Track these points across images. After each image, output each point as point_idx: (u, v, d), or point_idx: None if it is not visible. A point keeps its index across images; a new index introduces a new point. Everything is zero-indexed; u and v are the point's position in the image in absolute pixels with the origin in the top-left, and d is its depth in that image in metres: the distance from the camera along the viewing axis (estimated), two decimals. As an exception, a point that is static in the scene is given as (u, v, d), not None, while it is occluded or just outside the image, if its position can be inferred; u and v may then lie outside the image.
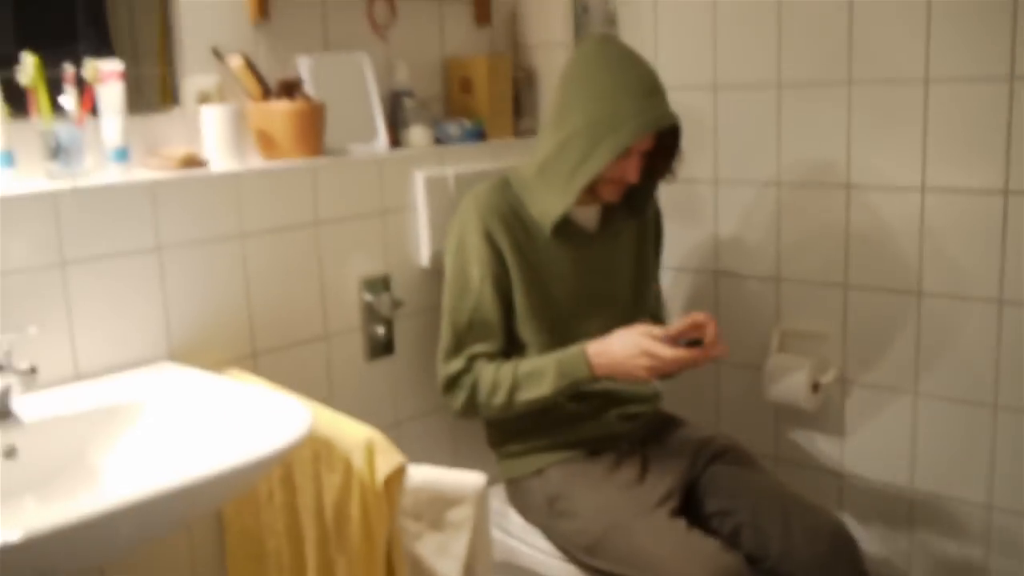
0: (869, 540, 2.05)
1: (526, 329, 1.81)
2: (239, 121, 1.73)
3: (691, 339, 1.71)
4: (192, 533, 1.65)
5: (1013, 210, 1.84)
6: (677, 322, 1.73)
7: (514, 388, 1.75)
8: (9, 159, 1.48)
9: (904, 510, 2.06)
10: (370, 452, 1.38)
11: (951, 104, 1.88)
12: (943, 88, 1.89)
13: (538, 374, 1.74)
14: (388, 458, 1.38)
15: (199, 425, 1.39)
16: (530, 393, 1.74)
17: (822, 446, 2.15)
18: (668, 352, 1.66)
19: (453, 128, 2.05)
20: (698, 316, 1.71)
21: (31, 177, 1.52)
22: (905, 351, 2.01)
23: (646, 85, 1.72)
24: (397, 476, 1.38)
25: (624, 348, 1.69)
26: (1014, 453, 1.91)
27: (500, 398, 1.75)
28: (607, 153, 1.68)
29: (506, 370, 1.76)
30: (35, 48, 1.51)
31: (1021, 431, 1.89)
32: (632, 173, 1.76)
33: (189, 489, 1.17)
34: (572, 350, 1.75)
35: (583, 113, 1.71)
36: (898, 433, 2.04)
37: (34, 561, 1.10)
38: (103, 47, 1.63)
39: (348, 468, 1.41)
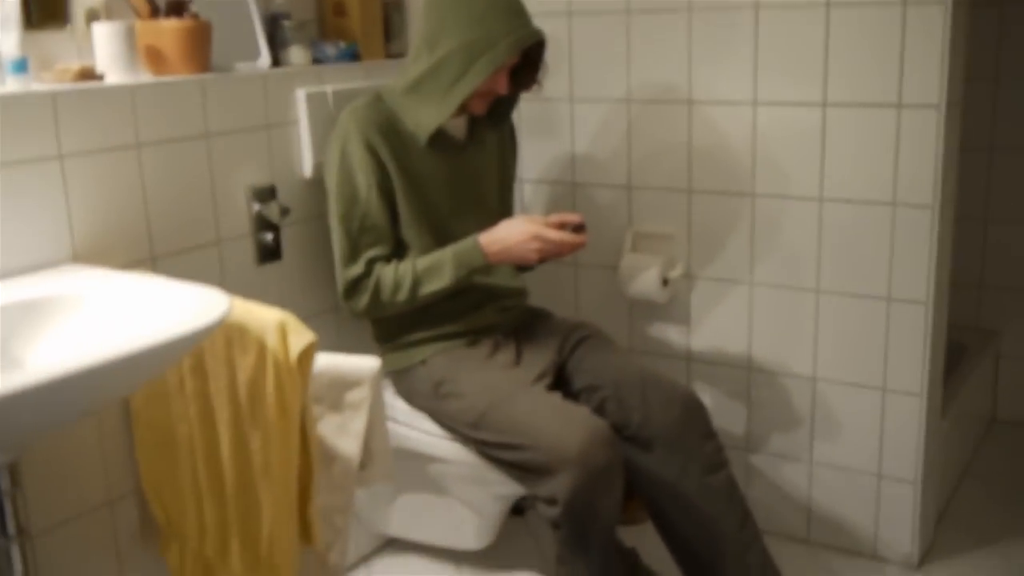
0: (715, 414, 2.33)
1: (410, 232, 1.97)
2: (129, 38, 1.80)
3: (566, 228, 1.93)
4: (102, 425, 1.74)
5: (831, 120, 2.11)
6: (552, 215, 1.94)
7: (416, 284, 1.92)
8: (-89, 69, 1.52)
9: (743, 386, 2.34)
10: (283, 331, 1.52)
11: (778, 27, 2.13)
12: (770, 13, 2.13)
13: (437, 267, 1.92)
14: (300, 336, 1.52)
15: (122, 315, 1.48)
16: (432, 286, 1.92)
17: (672, 334, 2.41)
18: (556, 235, 1.87)
19: (329, 49, 2.18)
20: (566, 213, 1.93)
21: (-69, 87, 1.57)
22: (741, 247, 2.28)
23: (512, 6, 1.90)
24: (309, 352, 1.53)
25: (515, 235, 1.90)
26: (834, 331, 2.21)
27: (403, 295, 1.92)
28: (484, 69, 1.86)
29: (404, 268, 1.93)
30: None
31: (840, 312, 2.19)
32: (502, 86, 1.94)
33: (122, 362, 1.25)
34: (466, 242, 1.93)
35: (458, 34, 1.87)
36: (737, 319, 2.32)
37: None
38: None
39: (262, 348, 1.54)
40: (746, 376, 2.34)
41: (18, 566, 1.43)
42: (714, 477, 1.90)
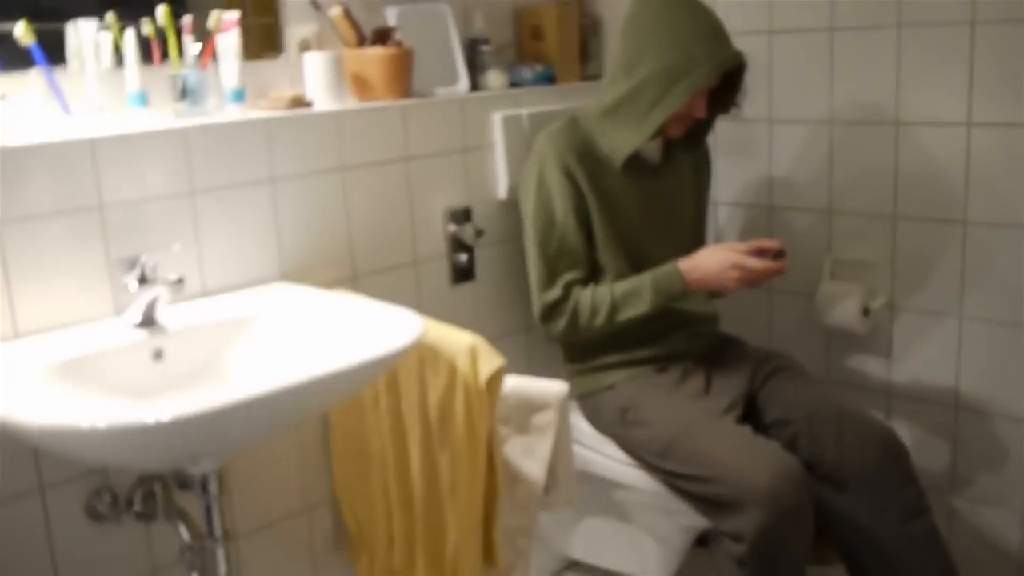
0: (916, 453, 2.20)
1: (605, 254, 1.98)
2: (338, 66, 1.89)
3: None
4: (301, 435, 1.83)
5: (1054, 142, 1.97)
6: (751, 241, 1.91)
7: (613, 308, 1.93)
8: (144, 99, 1.65)
9: (949, 425, 2.21)
10: (474, 355, 1.55)
11: (995, 44, 2.00)
12: (988, 28, 2.01)
13: (635, 293, 1.92)
14: (490, 360, 1.55)
15: (323, 332, 1.56)
16: (630, 311, 1.93)
17: (872, 368, 2.31)
18: (757, 263, 1.85)
19: (526, 72, 2.21)
20: (765, 240, 1.91)
21: (161, 116, 1.69)
22: (950, 277, 2.15)
23: (713, 28, 1.87)
24: (498, 376, 1.55)
25: (716, 262, 1.88)
26: (1052, 370, 2.05)
27: (601, 319, 1.93)
28: (684, 93, 1.85)
29: (603, 293, 1.94)
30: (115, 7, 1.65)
31: (1059, 350, 2.04)
32: (701, 109, 1.92)
33: (325, 380, 1.33)
34: (666, 268, 1.93)
35: (657, 58, 1.86)
36: (944, 354, 2.19)
37: (178, 442, 1.26)
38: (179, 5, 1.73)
39: (453, 370, 1.58)
40: (953, 414, 2.20)
41: (222, 567, 1.52)
42: (913, 524, 1.80)
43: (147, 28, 1.68)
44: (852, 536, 1.83)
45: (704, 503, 1.80)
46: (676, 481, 1.85)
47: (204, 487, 1.50)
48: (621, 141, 1.94)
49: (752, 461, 1.73)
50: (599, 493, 2.07)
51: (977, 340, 2.14)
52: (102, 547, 1.59)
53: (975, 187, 2.09)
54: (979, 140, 2.07)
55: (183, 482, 1.62)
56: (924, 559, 1.78)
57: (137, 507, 1.59)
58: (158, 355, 1.52)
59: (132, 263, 1.52)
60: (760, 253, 1.89)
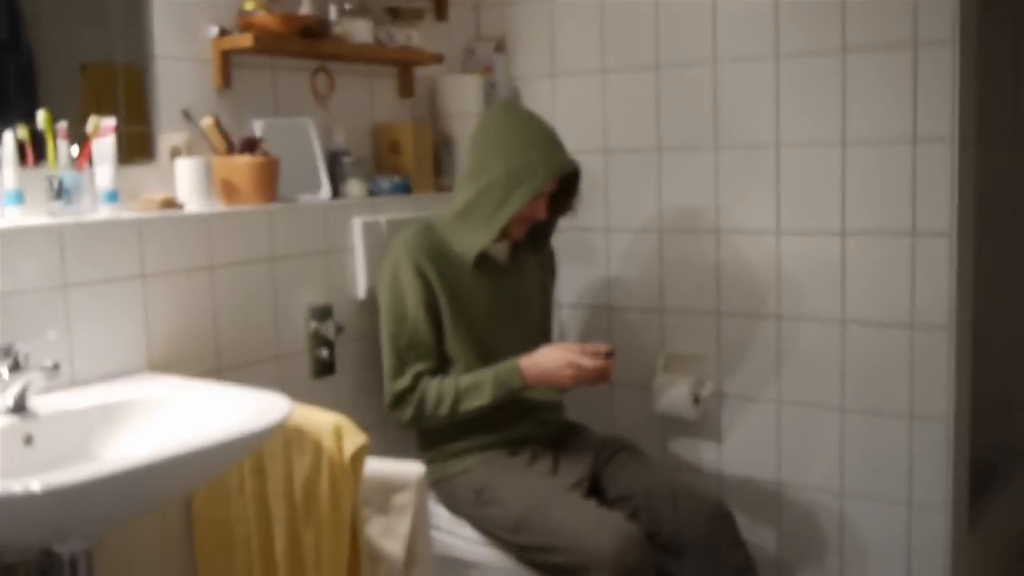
0: (743, 527, 2.40)
1: (454, 347, 2.12)
2: (207, 172, 2.02)
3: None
4: (166, 524, 1.87)
5: (850, 247, 2.26)
6: (586, 344, 2.10)
7: (457, 400, 2.06)
8: (20, 198, 1.73)
9: (772, 501, 2.42)
10: (338, 433, 1.66)
11: (798, 163, 2.31)
12: (790, 151, 2.31)
13: (477, 386, 2.07)
14: (353, 437, 1.66)
15: (193, 416, 1.64)
16: (472, 403, 2.06)
17: (703, 450, 2.51)
18: (589, 362, 2.02)
19: (384, 182, 2.38)
20: (599, 343, 2.11)
21: (36, 215, 1.77)
22: (768, 366, 2.40)
23: (549, 138, 2.10)
24: (361, 452, 1.66)
25: (552, 360, 2.05)
26: (860, 447, 2.30)
27: (445, 409, 2.06)
28: (525, 195, 2.04)
29: (448, 385, 2.07)
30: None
31: (864, 428, 2.28)
32: (541, 211, 2.12)
33: (198, 454, 1.40)
34: (507, 364, 2.08)
35: (500, 164, 2.06)
36: (765, 436, 2.42)
37: (48, 513, 1.30)
38: (31, 116, 1.79)
39: (318, 449, 1.68)
40: (775, 489, 2.42)
41: (91, 650, 1.54)
42: (743, 584, 1.97)
43: (22, 132, 1.77)
44: (689, 600, 1.99)
45: (556, 572, 1.92)
46: (529, 554, 1.97)
47: (73, 569, 1.53)
48: (470, 241, 2.11)
49: (598, 529, 1.87)
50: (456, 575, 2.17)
51: (792, 421, 2.38)
52: (-38, 638, 1.59)
53: (785, 285, 2.35)
54: (787, 245, 2.34)
55: (46, 571, 1.65)
56: (753, 615, 1.95)
57: (-1, 596, 1.60)
58: (28, 440, 1.56)
59: (6, 351, 1.58)
60: (595, 355, 2.08)
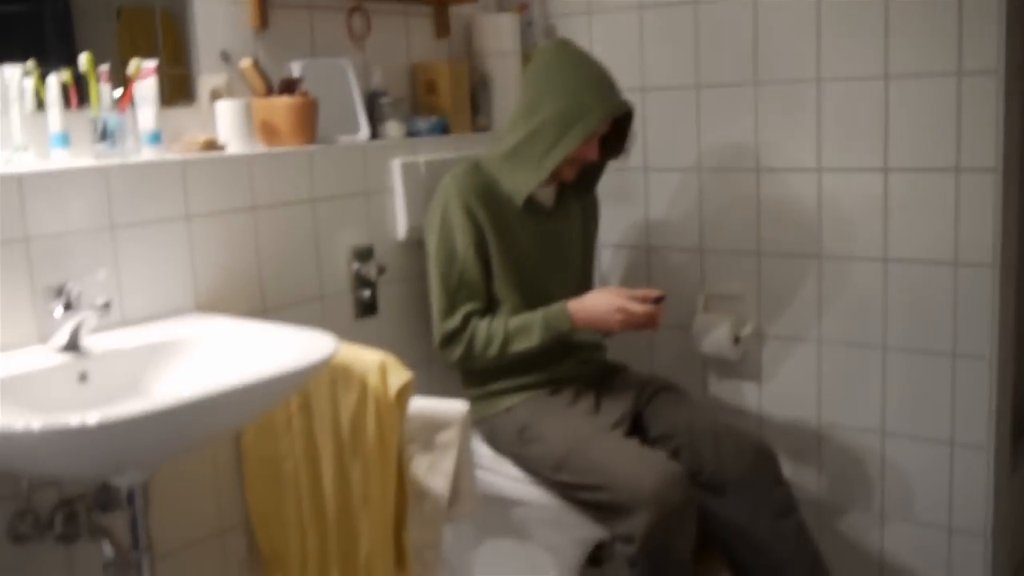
0: (785, 467, 2.40)
1: (502, 288, 2.14)
2: (247, 113, 2.02)
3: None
4: (216, 461, 1.91)
5: (892, 184, 2.23)
6: (636, 290, 2.10)
7: (506, 341, 2.08)
8: (66, 140, 1.74)
9: (813, 440, 2.43)
10: (383, 370, 1.68)
11: (840, 99, 2.27)
12: (832, 86, 2.28)
13: (526, 328, 2.08)
14: (399, 374, 1.68)
15: (242, 354, 1.66)
16: (520, 345, 2.08)
17: (744, 391, 2.52)
18: (638, 307, 2.02)
19: (422, 123, 2.38)
20: (648, 289, 2.11)
21: (81, 156, 1.79)
22: (809, 305, 2.39)
23: (604, 79, 2.08)
24: (407, 389, 1.68)
25: (602, 305, 2.05)
26: (902, 386, 2.29)
27: (494, 350, 2.08)
28: (578, 136, 2.03)
29: (497, 326, 2.09)
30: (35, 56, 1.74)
31: (907, 367, 2.28)
32: (593, 152, 2.11)
33: (247, 390, 1.43)
34: (555, 307, 2.09)
35: (553, 105, 2.05)
36: (806, 376, 2.42)
37: (105, 446, 1.33)
38: (70, 61, 1.80)
39: (363, 386, 1.70)
40: (816, 430, 2.42)
41: (147, 576, 1.58)
42: (785, 521, 1.99)
43: (65, 75, 1.78)
44: (731, 536, 2.01)
45: (597, 510, 1.95)
46: (571, 492, 1.99)
47: (130, 500, 1.57)
48: (520, 182, 2.11)
49: (639, 468, 1.89)
50: (498, 513, 2.19)
51: (834, 361, 2.37)
52: (25, 568, 1.64)
53: (827, 224, 2.33)
54: (829, 183, 2.32)
55: (104, 504, 1.69)
56: (795, 552, 1.96)
57: (58, 529, 1.64)
58: (83, 378, 1.59)
59: (59, 290, 1.61)
60: (643, 300, 2.07)
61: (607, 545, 2.49)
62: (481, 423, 2.19)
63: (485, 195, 2.12)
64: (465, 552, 2.35)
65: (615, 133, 2.18)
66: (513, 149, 2.12)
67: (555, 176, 2.14)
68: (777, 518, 1.97)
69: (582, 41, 2.59)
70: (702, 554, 2.10)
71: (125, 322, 1.77)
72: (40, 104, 1.75)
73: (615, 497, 1.89)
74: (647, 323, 2.07)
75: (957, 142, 2.14)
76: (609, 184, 2.56)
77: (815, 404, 2.42)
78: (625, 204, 2.64)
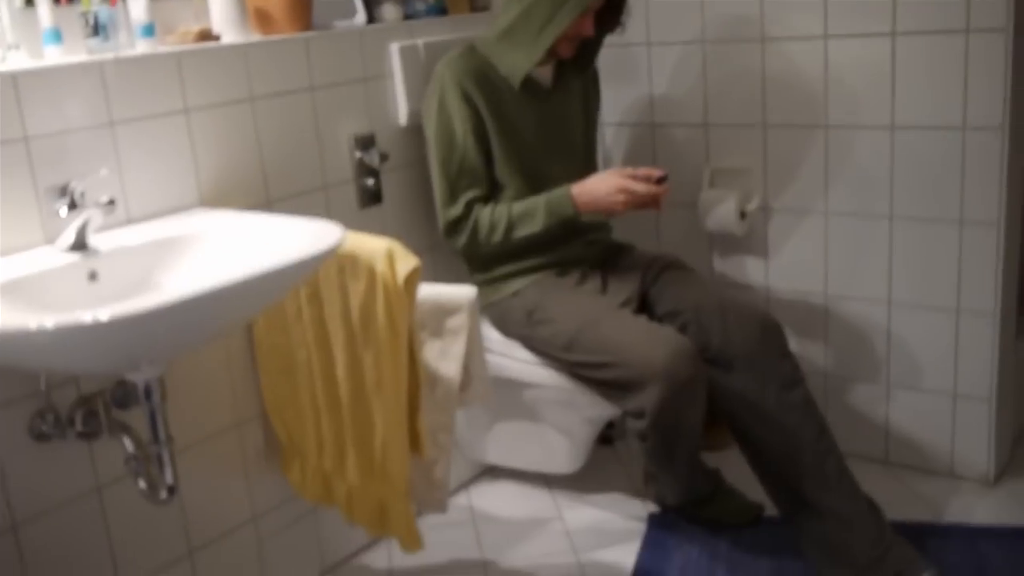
0: (792, 340, 2.43)
1: (503, 172, 2.12)
2: (241, 1, 1.98)
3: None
4: (229, 353, 1.94)
5: (900, 48, 2.19)
6: (639, 168, 2.08)
7: (510, 226, 2.08)
8: (58, 36, 1.71)
9: (820, 312, 2.44)
10: (391, 257, 1.68)
11: (846, -39, 2.21)
12: (838, -52, 2.21)
13: (530, 214, 2.07)
14: (406, 261, 1.68)
15: (251, 246, 1.66)
16: (524, 230, 2.08)
17: (750, 266, 2.52)
18: (641, 187, 2.01)
19: (419, 4, 2.33)
20: (650, 168, 2.08)
21: (75, 52, 1.76)
22: (815, 177, 2.37)
23: (598, -47, 2.02)
24: (414, 275, 1.69)
25: (604, 187, 2.04)
26: (908, 255, 2.29)
27: (498, 235, 2.08)
28: (572, 12, 1.99)
29: (500, 212, 2.08)
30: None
31: (913, 236, 2.27)
32: (589, 28, 2.07)
33: (257, 279, 1.42)
34: (558, 191, 2.07)
35: None
36: (813, 248, 2.42)
37: (119, 341, 1.34)
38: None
39: (371, 274, 1.71)
40: (823, 303, 2.44)
41: (168, 468, 1.62)
42: (791, 392, 2.01)
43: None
44: (739, 409, 2.03)
45: (608, 387, 1.98)
46: (582, 371, 2.02)
47: (147, 395, 1.59)
48: (516, 62, 2.08)
49: (649, 343, 1.91)
50: (509, 396, 2.23)
51: (841, 233, 2.37)
52: (48, 466, 1.68)
53: (833, 94, 2.30)
54: (835, 51, 2.28)
55: (122, 400, 1.73)
56: (802, 422, 1.99)
57: (79, 426, 1.67)
58: (93, 276, 1.60)
59: (62, 190, 1.61)
60: (647, 179, 2.06)
61: (617, 423, 2.55)
62: (489, 307, 2.21)
63: (481, 78, 2.09)
64: (478, 434, 2.41)
65: (610, 7, 2.13)
66: (507, 29, 2.08)
67: (551, 54, 2.10)
68: (784, 390, 2.00)
69: (580, -88, 2.51)
70: (711, 427, 2.15)
71: (130, 219, 1.77)
72: (29, 0, 1.72)
73: (626, 373, 1.92)
74: (651, 203, 2.06)
75: (967, 1, 2.08)
76: (611, 61, 2.52)
77: (821, 277, 2.42)
78: (627, 81, 2.60)
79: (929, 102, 2.18)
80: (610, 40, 2.25)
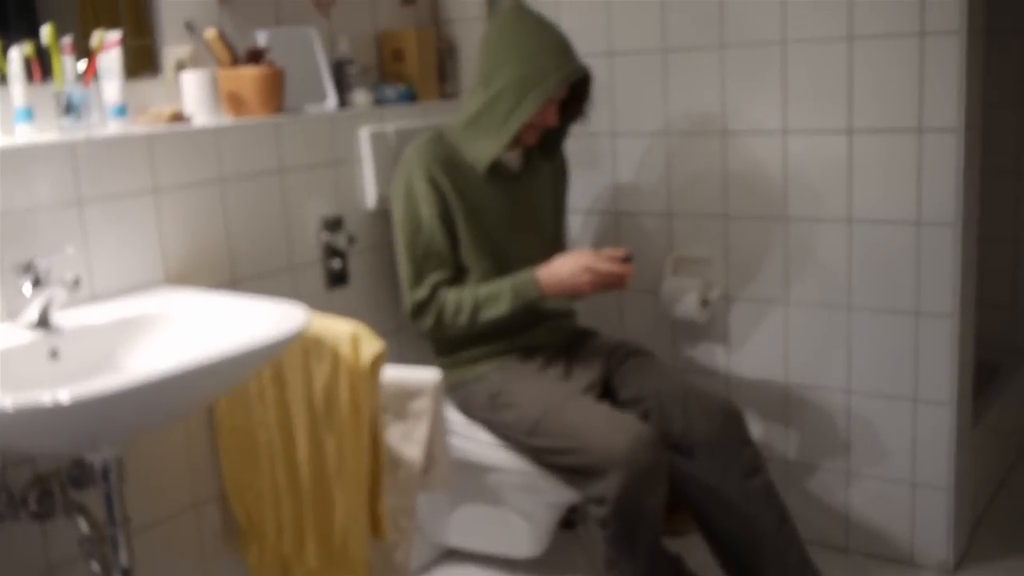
0: (753, 428, 2.45)
1: (470, 256, 2.15)
2: (213, 84, 2.01)
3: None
4: (189, 434, 1.92)
5: (857, 145, 2.26)
6: (603, 250, 2.12)
7: (475, 310, 2.09)
8: (30, 115, 1.73)
9: (781, 401, 2.47)
10: (356, 340, 1.69)
11: (804, 60, 2.29)
12: (796, 47, 2.29)
13: (495, 297, 2.09)
14: (371, 344, 1.69)
15: (214, 327, 1.66)
16: (489, 313, 2.09)
17: (712, 353, 2.55)
18: (605, 265, 2.04)
19: (390, 91, 2.37)
20: (615, 248, 2.13)
21: (47, 131, 1.77)
22: (776, 268, 2.42)
23: (561, 44, 2.09)
24: (379, 359, 1.70)
25: (568, 267, 2.07)
26: (867, 346, 2.33)
27: (464, 318, 2.09)
28: (536, 102, 2.04)
29: (466, 294, 2.10)
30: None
31: (872, 327, 2.32)
32: (552, 118, 2.12)
33: (220, 363, 1.43)
34: (524, 275, 2.10)
35: (511, 71, 2.05)
36: (773, 337, 2.45)
37: (78, 422, 1.33)
38: (32, 33, 1.78)
39: (336, 356, 1.71)
40: (784, 390, 2.46)
41: (123, 550, 1.59)
42: (753, 480, 2.02)
43: (27, 48, 1.76)
44: (701, 497, 2.04)
45: (570, 473, 1.98)
46: (544, 456, 2.02)
47: (105, 476, 1.57)
48: (482, 150, 2.12)
49: (611, 430, 1.92)
50: (472, 479, 2.22)
51: (801, 322, 2.41)
52: (0, 547, 1.64)
53: (793, 187, 2.36)
54: (794, 145, 2.34)
55: (78, 480, 1.70)
56: (763, 509, 2.00)
57: (33, 506, 1.64)
58: (54, 354, 1.59)
59: (27, 267, 1.60)
60: (612, 259, 2.09)
61: (580, 508, 2.54)
62: (453, 390, 2.21)
63: (448, 164, 2.13)
64: (439, 522, 2.38)
65: (574, 97, 2.18)
66: (473, 117, 2.12)
67: (517, 142, 2.14)
68: (745, 478, 2.01)
69: (548, 7, 2.59)
70: (673, 513, 2.15)
71: (95, 297, 1.77)
72: (2, 78, 1.74)
73: (587, 460, 1.92)
74: (616, 282, 2.09)
75: (920, 102, 2.16)
76: (577, 150, 2.57)
77: (782, 365, 2.46)
78: (593, 170, 2.65)
79: (885, 197, 2.24)
80: (576, 129, 2.31)
